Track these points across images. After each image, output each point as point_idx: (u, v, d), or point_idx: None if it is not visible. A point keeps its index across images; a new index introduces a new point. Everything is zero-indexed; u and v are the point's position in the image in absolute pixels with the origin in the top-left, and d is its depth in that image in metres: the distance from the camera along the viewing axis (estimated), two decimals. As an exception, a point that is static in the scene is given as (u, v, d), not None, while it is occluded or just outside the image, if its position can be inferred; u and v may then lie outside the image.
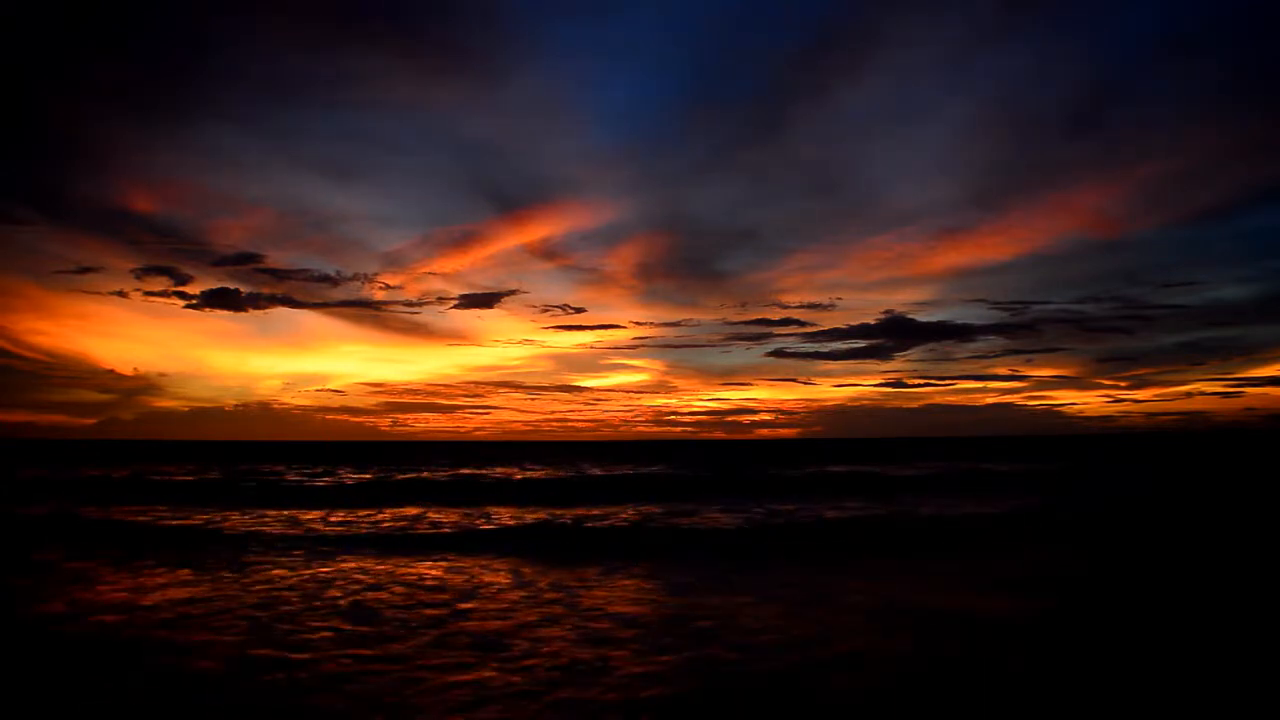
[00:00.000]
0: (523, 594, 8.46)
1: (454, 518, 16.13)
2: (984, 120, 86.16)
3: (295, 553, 11.58)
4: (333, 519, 15.98)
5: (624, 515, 16.04)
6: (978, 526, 14.56)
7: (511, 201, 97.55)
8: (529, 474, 33.80)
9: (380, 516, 16.66)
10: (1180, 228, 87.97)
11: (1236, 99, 79.76)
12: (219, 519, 15.92)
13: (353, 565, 10.43)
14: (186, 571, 10.09)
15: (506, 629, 6.78)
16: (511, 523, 15.10)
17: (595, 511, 17.18)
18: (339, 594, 8.49)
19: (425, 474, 32.59)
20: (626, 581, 9.24)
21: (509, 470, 37.08)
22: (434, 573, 9.86)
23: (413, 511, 17.44)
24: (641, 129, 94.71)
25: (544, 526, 14.21)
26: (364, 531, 13.87)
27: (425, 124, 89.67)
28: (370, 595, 8.38)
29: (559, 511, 17.35)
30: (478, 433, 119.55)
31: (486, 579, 9.33)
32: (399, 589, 8.74)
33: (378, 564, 10.52)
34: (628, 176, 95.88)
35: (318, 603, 7.99)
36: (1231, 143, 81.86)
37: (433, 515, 16.78)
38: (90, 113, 76.03)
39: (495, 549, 11.88)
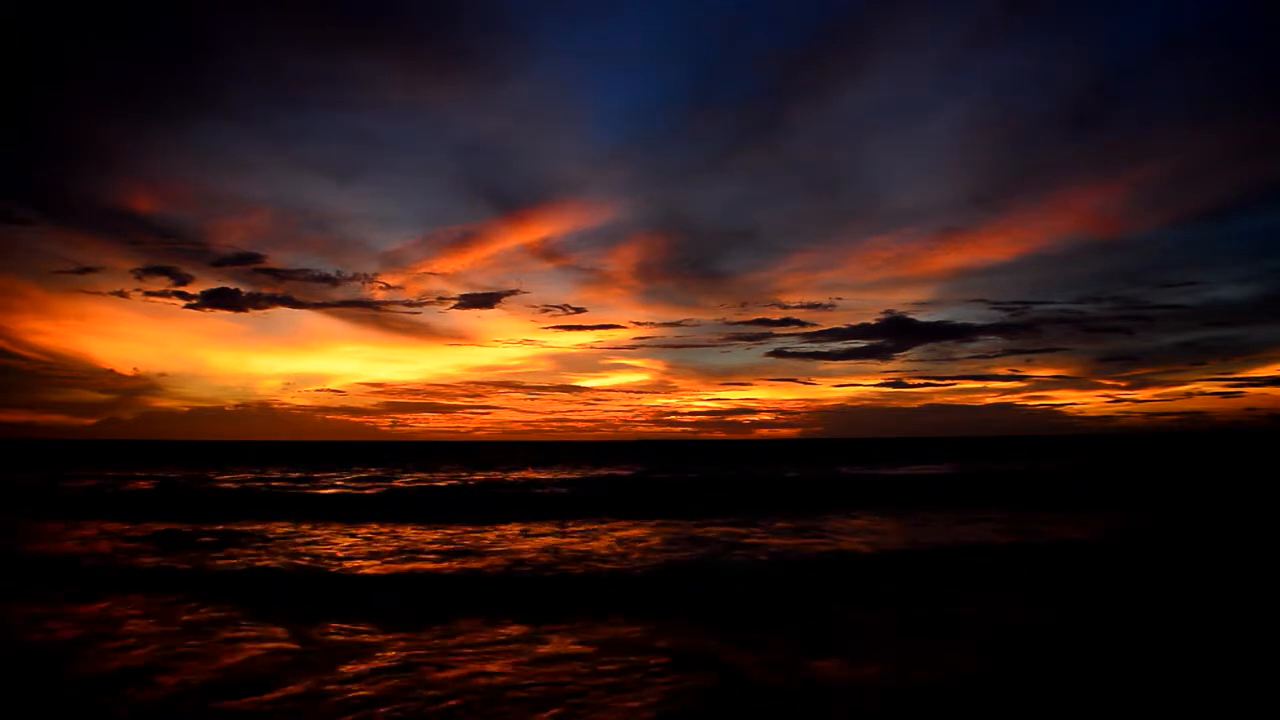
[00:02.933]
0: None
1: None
2: (984, 121, 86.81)
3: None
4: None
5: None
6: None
7: (511, 201, 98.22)
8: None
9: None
10: (1180, 228, 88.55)
11: (1236, 99, 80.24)
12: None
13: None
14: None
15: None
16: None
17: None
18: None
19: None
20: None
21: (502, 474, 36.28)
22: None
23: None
24: (641, 129, 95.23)
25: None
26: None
27: (425, 124, 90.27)
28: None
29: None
30: (478, 433, 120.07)
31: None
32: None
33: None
34: (628, 176, 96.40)
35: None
36: (1231, 143, 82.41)
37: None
38: (91, 113, 76.39)
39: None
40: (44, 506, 19.97)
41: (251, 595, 8.96)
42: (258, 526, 15.33)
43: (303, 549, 12.57)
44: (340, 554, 12.06)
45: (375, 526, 15.66)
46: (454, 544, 12.90)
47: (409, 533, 14.60)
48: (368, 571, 10.50)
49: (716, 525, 15.12)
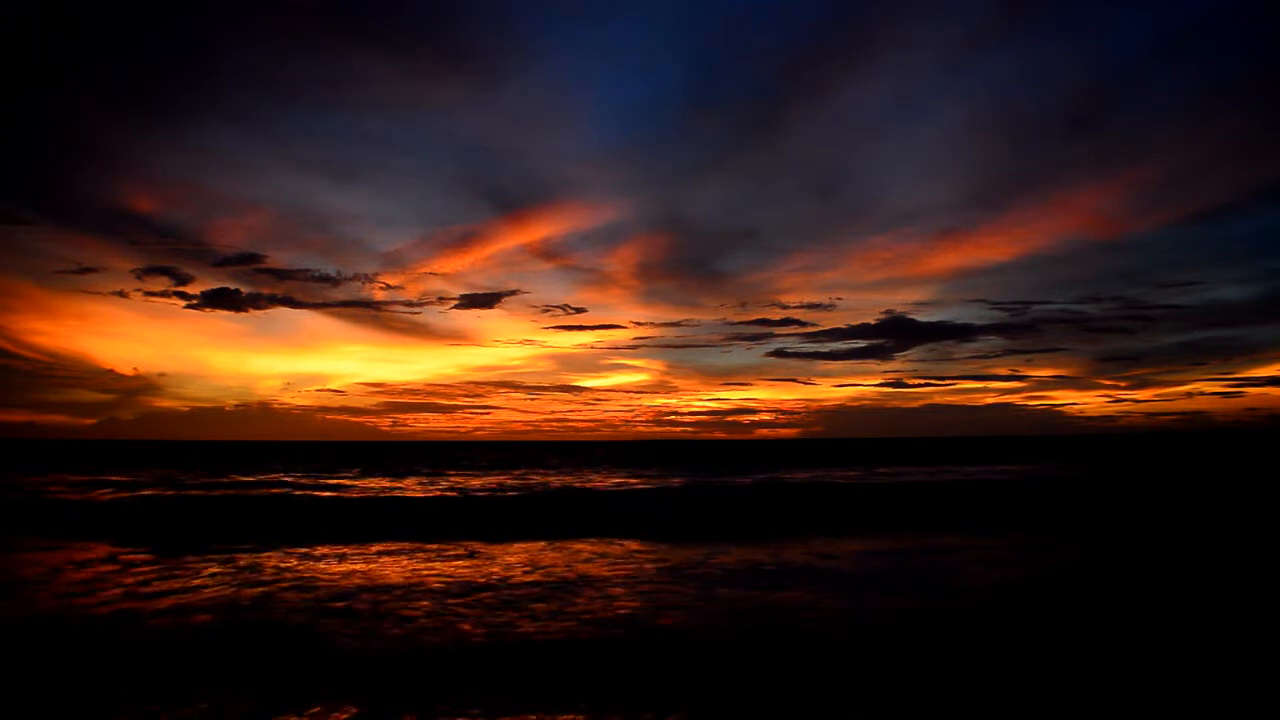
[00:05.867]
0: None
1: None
2: (983, 121, 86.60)
3: None
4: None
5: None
6: None
7: (511, 201, 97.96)
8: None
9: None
10: (1180, 228, 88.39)
11: (1236, 99, 79.92)
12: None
13: None
14: None
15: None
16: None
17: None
18: None
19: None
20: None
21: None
22: None
23: None
24: (641, 129, 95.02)
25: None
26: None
27: (425, 124, 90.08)
28: None
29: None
30: (478, 433, 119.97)
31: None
32: None
33: None
34: (627, 177, 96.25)
35: None
36: (1231, 143, 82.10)
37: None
38: (91, 113, 76.15)
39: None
40: (50, 520, 18.84)
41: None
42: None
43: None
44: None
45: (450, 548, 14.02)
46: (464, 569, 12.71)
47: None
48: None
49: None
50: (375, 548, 14.07)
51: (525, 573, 11.53)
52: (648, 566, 12.07)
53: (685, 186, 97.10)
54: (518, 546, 14.22)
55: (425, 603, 9.36)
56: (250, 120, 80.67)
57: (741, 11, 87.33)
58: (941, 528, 17.11)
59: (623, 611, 8.78)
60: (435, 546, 14.22)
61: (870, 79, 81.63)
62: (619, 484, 30.48)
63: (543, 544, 14.40)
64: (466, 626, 8.25)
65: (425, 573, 11.55)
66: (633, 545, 14.37)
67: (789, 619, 8.56)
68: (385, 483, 32.14)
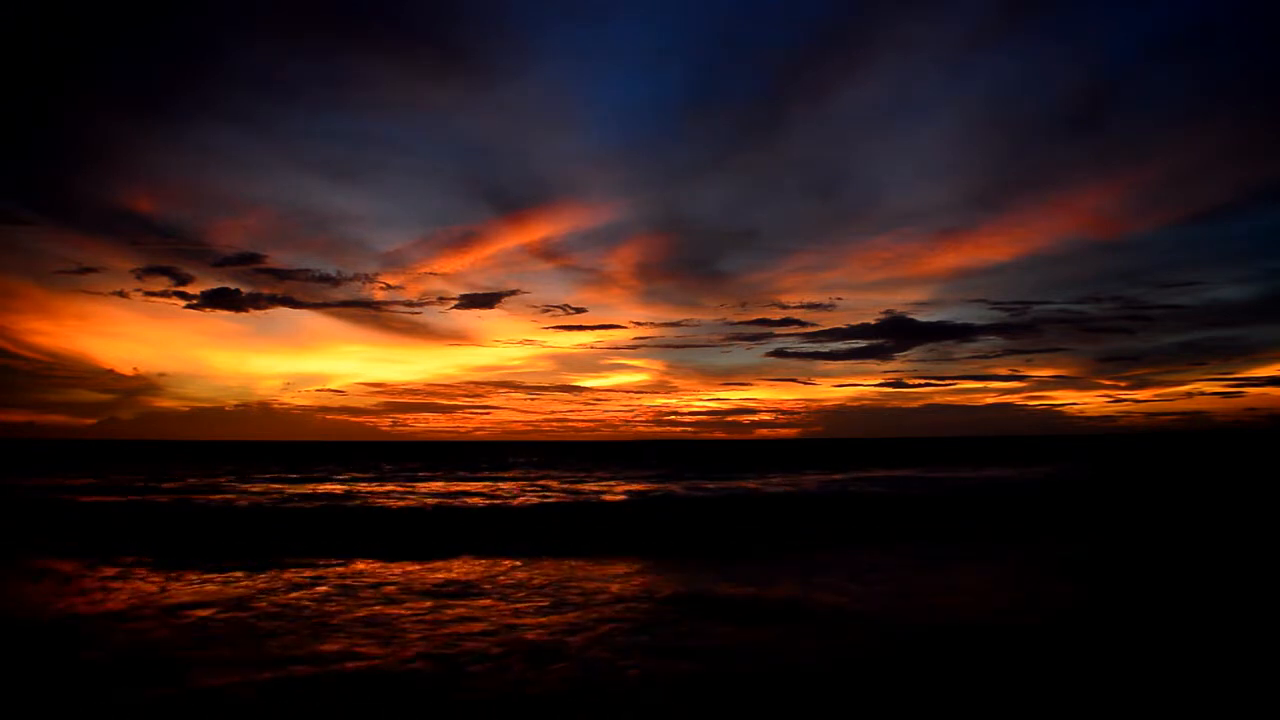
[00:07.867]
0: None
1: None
2: (984, 121, 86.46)
3: None
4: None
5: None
6: None
7: (511, 201, 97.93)
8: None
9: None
10: (1180, 228, 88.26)
11: (1235, 99, 79.80)
12: None
13: None
14: None
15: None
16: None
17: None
18: None
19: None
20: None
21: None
22: None
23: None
24: (641, 129, 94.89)
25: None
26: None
27: (425, 124, 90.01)
28: None
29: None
30: (478, 433, 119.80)
31: None
32: None
33: None
34: (627, 177, 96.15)
35: None
36: (1231, 143, 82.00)
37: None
38: (91, 113, 76.15)
39: None
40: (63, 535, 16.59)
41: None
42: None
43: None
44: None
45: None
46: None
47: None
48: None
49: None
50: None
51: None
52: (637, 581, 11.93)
53: (685, 186, 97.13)
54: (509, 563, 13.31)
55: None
56: (250, 120, 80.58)
57: (741, 11, 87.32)
58: (944, 535, 17.08)
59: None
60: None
61: (870, 79, 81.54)
62: (626, 490, 30.13)
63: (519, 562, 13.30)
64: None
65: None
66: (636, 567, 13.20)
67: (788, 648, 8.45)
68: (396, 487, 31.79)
